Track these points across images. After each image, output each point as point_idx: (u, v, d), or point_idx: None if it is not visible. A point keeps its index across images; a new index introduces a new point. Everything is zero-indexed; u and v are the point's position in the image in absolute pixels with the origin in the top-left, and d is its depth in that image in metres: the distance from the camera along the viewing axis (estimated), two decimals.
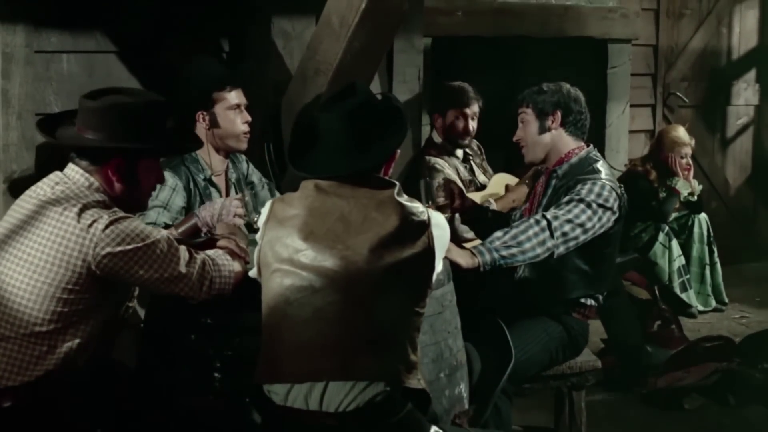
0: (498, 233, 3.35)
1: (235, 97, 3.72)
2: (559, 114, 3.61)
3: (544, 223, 3.35)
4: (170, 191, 3.58)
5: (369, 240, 2.55)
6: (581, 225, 3.39)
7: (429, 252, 2.60)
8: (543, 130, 3.63)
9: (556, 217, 3.37)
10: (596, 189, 3.46)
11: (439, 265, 2.69)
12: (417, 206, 2.66)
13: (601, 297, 3.67)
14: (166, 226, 3.41)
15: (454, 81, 4.94)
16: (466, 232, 4.05)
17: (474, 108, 4.85)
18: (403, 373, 2.56)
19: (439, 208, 3.73)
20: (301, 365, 2.55)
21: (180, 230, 3.33)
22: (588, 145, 3.68)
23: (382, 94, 2.85)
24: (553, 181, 3.63)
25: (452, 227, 3.66)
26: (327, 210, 2.61)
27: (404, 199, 2.66)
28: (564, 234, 3.37)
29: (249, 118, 3.76)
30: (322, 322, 2.54)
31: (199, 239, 3.14)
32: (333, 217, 2.60)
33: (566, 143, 3.63)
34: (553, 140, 3.63)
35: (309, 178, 2.68)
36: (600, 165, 3.58)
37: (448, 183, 3.78)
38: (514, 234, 3.32)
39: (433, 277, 2.66)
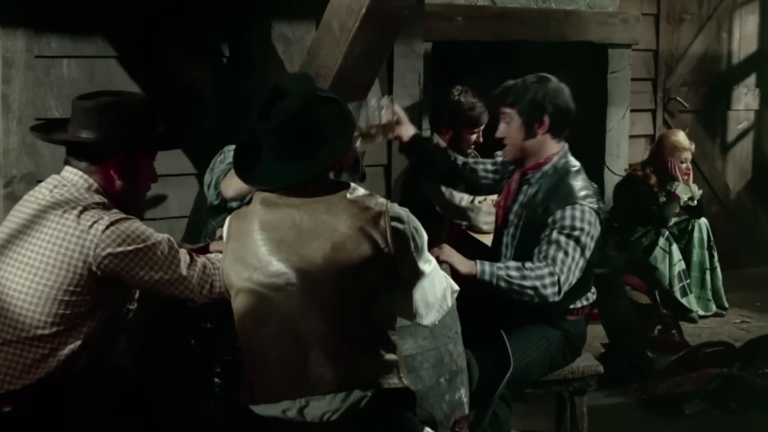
0: (512, 263, 3.32)
1: None
2: (547, 120, 3.48)
3: (556, 278, 3.30)
4: None
5: (322, 245, 2.50)
6: (577, 265, 3.36)
7: (386, 246, 2.51)
8: (529, 136, 3.50)
9: (562, 270, 3.30)
10: (584, 216, 3.37)
11: (424, 265, 2.61)
12: (373, 199, 2.57)
13: (591, 294, 3.64)
14: None
15: (458, 86, 4.90)
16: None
17: (484, 122, 4.85)
18: (380, 376, 2.51)
19: (379, 131, 3.66)
20: (272, 385, 2.53)
21: None
22: (564, 145, 3.57)
23: (315, 90, 2.68)
24: (525, 186, 3.56)
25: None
26: (279, 221, 2.55)
27: (358, 195, 2.57)
28: (570, 284, 3.35)
29: None
30: (285, 340, 2.51)
31: (197, 245, 3.14)
32: (285, 227, 2.54)
33: (548, 148, 3.52)
34: (537, 145, 3.51)
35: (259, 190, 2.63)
36: (572, 178, 3.47)
37: (390, 105, 3.65)
38: (522, 275, 3.28)
39: (410, 273, 2.58)
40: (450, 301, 2.79)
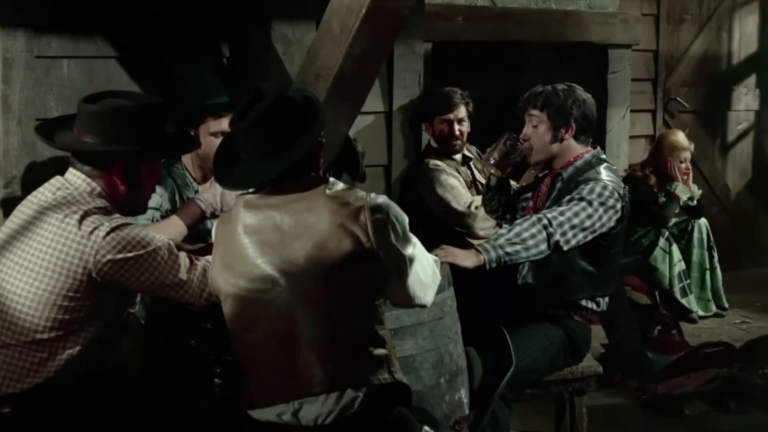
0: (502, 230, 3.38)
1: (221, 123, 3.66)
2: (574, 127, 3.61)
3: (545, 221, 3.37)
4: (158, 198, 3.55)
5: (303, 245, 2.51)
6: (581, 222, 3.42)
7: (368, 241, 2.51)
8: (555, 139, 3.63)
9: (555, 217, 3.38)
10: (597, 189, 3.48)
11: (410, 249, 2.59)
12: (353, 194, 2.58)
13: (603, 301, 3.66)
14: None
15: (445, 87, 4.91)
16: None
17: (459, 112, 4.82)
18: (371, 372, 2.51)
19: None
20: (265, 390, 2.53)
21: (188, 222, 3.28)
22: (594, 148, 3.69)
23: (292, 90, 2.73)
24: (558, 184, 3.63)
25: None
26: (261, 224, 2.56)
27: (337, 191, 2.58)
28: (564, 233, 3.38)
29: None
30: (274, 343, 2.51)
31: (198, 245, 3.14)
32: (268, 229, 2.55)
33: (574, 150, 3.65)
34: (562, 149, 3.64)
35: (237, 191, 2.66)
36: (603, 168, 3.59)
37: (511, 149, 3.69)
38: (517, 231, 3.34)
39: (398, 261, 2.57)
40: (439, 274, 2.79)
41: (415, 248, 2.65)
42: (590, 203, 3.44)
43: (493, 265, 3.29)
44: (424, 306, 2.74)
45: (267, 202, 2.58)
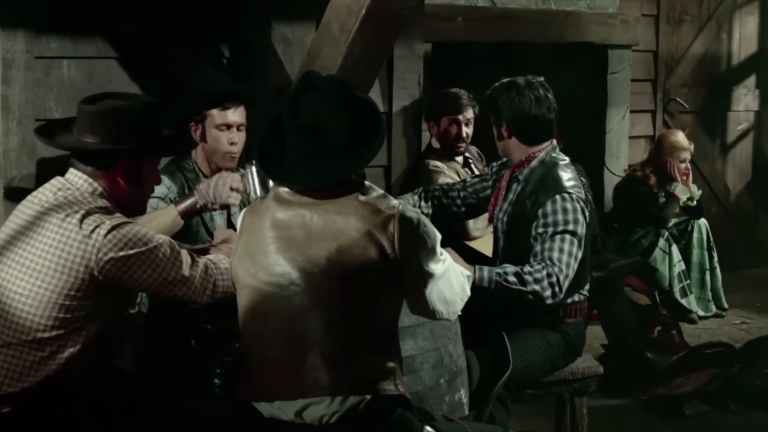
0: (510, 269, 3.33)
1: (226, 115, 3.64)
2: (506, 126, 3.56)
3: (554, 278, 3.32)
4: (165, 189, 3.54)
5: (328, 247, 2.48)
6: (576, 258, 3.40)
7: (393, 251, 2.48)
8: (499, 138, 3.61)
9: (561, 270, 3.34)
10: (569, 206, 3.42)
11: (437, 266, 2.57)
12: (385, 202, 2.54)
13: (585, 288, 3.65)
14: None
15: (451, 87, 4.91)
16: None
17: (467, 114, 4.81)
18: (377, 382, 2.50)
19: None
20: (269, 384, 2.52)
21: (180, 207, 3.28)
22: (550, 143, 3.59)
23: (351, 89, 2.61)
24: (515, 185, 3.60)
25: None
26: (290, 220, 2.54)
27: (371, 198, 2.54)
28: (569, 280, 3.37)
29: (236, 139, 3.65)
30: (283, 340, 2.50)
31: (199, 245, 3.14)
32: (295, 226, 2.53)
33: (521, 150, 3.58)
34: (510, 147, 3.59)
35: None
36: (561, 170, 3.51)
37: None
38: (523, 281, 3.31)
39: (420, 275, 2.54)
40: (468, 290, 2.75)
41: (444, 265, 2.61)
42: (574, 234, 3.39)
43: (479, 289, 3.27)
44: (447, 320, 2.74)
45: (300, 200, 2.55)
